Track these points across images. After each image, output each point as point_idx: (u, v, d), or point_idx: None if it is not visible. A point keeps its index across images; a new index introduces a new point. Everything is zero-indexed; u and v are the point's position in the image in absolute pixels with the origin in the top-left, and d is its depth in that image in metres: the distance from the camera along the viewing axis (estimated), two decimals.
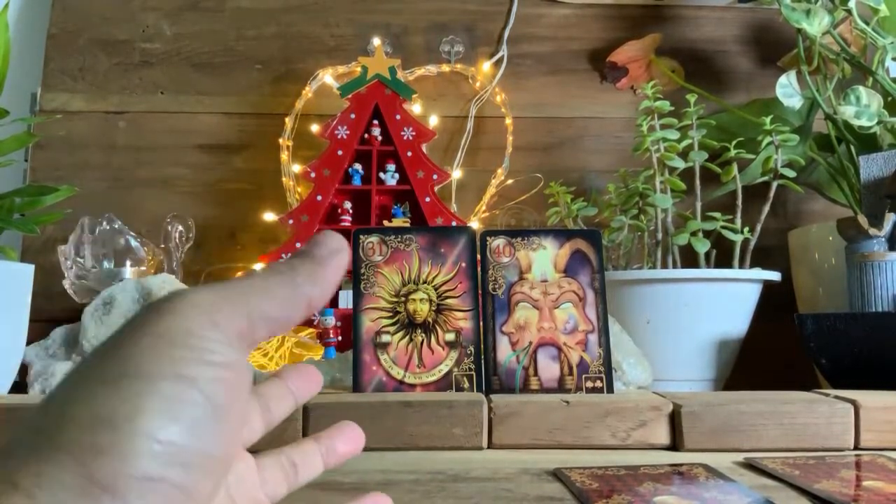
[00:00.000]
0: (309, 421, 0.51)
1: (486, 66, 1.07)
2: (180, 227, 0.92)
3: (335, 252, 0.25)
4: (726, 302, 0.79)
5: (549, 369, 0.60)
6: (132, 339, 0.21)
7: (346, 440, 0.31)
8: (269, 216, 1.00)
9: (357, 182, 0.96)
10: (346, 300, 0.90)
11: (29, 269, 0.67)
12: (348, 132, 0.97)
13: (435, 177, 0.96)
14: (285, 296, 0.24)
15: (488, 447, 0.53)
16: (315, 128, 1.00)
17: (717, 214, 0.80)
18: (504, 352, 0.60)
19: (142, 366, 0.21)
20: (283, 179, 1.02)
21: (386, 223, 0.95)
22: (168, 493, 0.20)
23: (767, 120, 0.81)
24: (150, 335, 0.21)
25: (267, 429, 0.29)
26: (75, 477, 0.19)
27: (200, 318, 0.22)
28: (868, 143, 0.84)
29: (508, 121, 1.05)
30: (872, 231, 0.71)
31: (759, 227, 0.81)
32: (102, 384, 0.20)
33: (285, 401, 0.29)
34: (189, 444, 0.20)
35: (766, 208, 0.81)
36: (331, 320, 0.83)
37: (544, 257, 0.63)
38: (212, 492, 0.22)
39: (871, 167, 0.77)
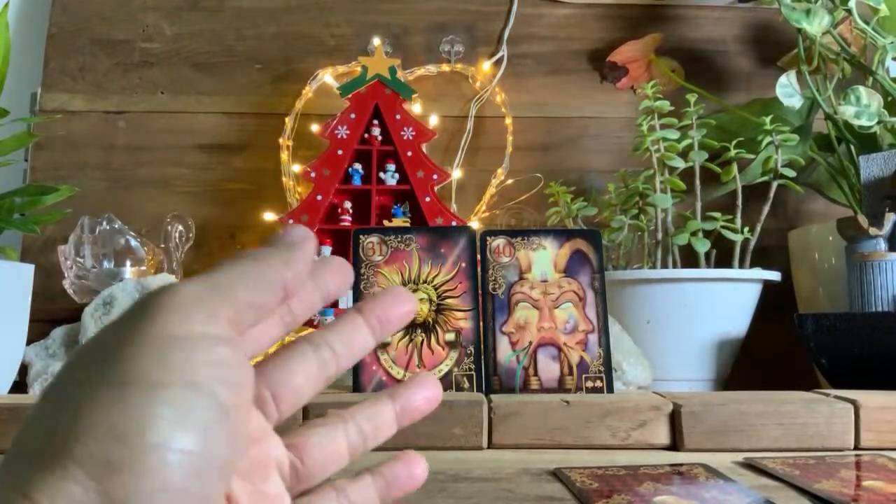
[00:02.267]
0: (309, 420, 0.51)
1: (486, 66, 1.07)
2: (180, 227, 0.92)
3: (303, 240, 0.25)
4: (726, 302, 0.79)
5: (549, 369, 0.60)
6: (132, 341, 0.21)
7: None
8: (269, 216, 1.00)
9: (357, 182, 0.96)
10: (346, 300, 0.90)
11: (29, 269, 0.67)
12: (348, 132, 0.97)
13: (435, 177, 0.96)
14: (265, 282, 0.23)
15: (488, 447, 0.53)
16: (315, 128, 1.00)
17: (717, 214, 0.80)
18: (504, 352, 0.60)
19: (148, 372, 0.20)
20: (283, 179, 1.02)
21: (386, 223, 0.95)
22: (182, 499, 0.20)
23: (767, 120, 0.81)
24: (150, 337, 0.21)
25: (326, 383, 0.26)
26: (90, 493, 0.19)
27: (197, 314, 0.21)
28: (868, 143, 0.84)
29: (508, 121, 1.05)
30: (872, 231, 0.71)
31: (759, 227, 0.81)
32: (109, 391, 0.20)
33: (362, 341, 0.27)
34: (202, 451, 0.20)
35: (766, 208, 0.81)
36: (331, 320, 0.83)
37: (544, 257, 0.63)
38: (223, 490, 0.22)
39: (871, 167, 0.77)
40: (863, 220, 0.71)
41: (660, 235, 0.81)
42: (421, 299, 0.61)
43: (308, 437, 0.27)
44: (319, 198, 0.95)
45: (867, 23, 0.82)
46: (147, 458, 0.19)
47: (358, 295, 0.61)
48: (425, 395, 0.29)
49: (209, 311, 0.22)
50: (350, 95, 0.98)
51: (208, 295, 0.22)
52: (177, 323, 0.21)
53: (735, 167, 0.81)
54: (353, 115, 0.97)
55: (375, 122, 0.97)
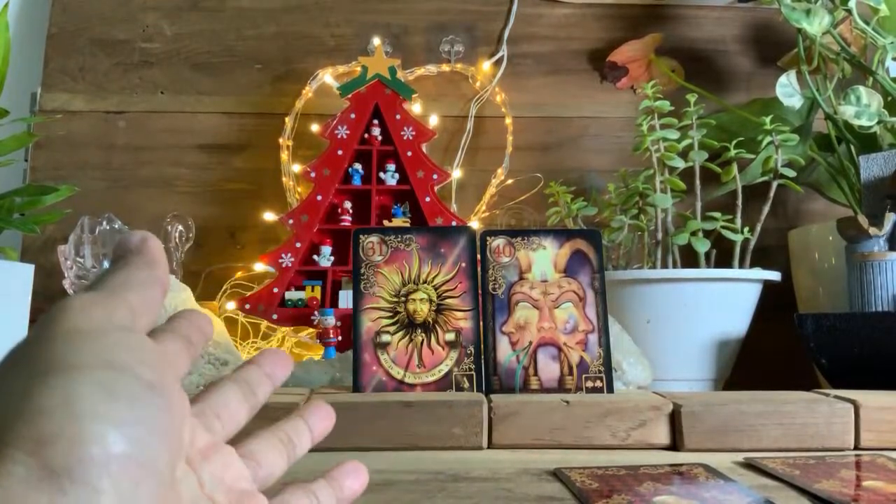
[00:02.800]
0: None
1: (486, 65, 1.07)
2: (180, 227, 0.91)
3: (144, 241, 0.27)
4: (726, 302, 0.79)
5: (549, 369, 0.60)
6: (45, 339, 0.22)
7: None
8: (269, 216, 1.00)
9: (357, 182, 0.96)
10: (346, 300, 0.90)
11: (29, 269, 0.67)
12: (348, 132, 0.97)
13: (435, 177, 0.96)
14: (144, 281, 0.26)
15: (488, 447, 0.53)
16: (315, 128, 1.00)
17: (717, 214, 0.80)
18: (504, 352, 0.60)
19: (66, 358, 0.21)
20: (283, 179, 1.02)
21: (386, 223, 0.95)
22: (128, 467, 0.20)
23: (767, 120, 0.81)
24: (60, 333, 0.22)
25: (251, 412, 0.30)
26: (28, 468, 0.19)
27: (98, 311, 0.23)
28: (868, 143, 0.84)
29: (508, 121, 1.05)
30: (872, 231, 0.71)
31: (759, 227, 0.81)
32: (30, 379, 0.21)
33: (265, 385, 0.31)
34: (136, 419, 0.21)
35: (766, 208, 0.81)
36: (331, 320, 0.83)
37: (544, 257, 0.63)
38: (171, 463, 0.22)
39: (871, 167, 0.77)
40: (863, 220, 0.71)
41: (660, 235, 0.81)
42: (421, 299, 0.61)
43: (253, 445, 0.30)
44: (319, 198, 0.95)
45: (867, 23, 0.82)
46: (80, 428, 0.20)
47: (358, 295, 0.61)
48: (325, 425, 0.33)
49: (108, 308, 0.23)
50: (350, 95, 0.98)
51: (104, 298, 0.24)
52: (82, 320, 0.22)
53: (735, 167, 0.81)
54: (353, 115, 0.97)
55: (375, 121, 0.97)
